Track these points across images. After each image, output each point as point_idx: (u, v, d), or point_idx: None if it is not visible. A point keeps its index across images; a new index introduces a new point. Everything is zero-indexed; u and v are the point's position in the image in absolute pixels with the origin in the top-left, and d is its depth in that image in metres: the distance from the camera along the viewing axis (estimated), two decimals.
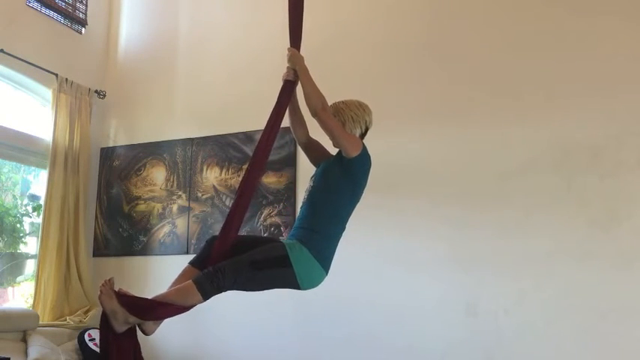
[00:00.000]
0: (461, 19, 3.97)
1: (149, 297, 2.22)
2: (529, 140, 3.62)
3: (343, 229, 2.41)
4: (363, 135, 2.48)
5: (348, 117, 2.42)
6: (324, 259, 2.29)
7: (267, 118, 2.48)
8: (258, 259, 2.22)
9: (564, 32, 3.67)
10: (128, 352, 2.20)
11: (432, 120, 3.89)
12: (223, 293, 2.25)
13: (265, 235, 2.45)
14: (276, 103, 2.46)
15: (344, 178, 2.36)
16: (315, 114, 2.35)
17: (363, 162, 2.37)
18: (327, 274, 2.34)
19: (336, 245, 2.37)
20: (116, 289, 2.16)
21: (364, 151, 2.36)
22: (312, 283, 2.32)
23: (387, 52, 4.11)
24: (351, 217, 2.44)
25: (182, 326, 4.13)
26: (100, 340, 2.20)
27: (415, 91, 3.97)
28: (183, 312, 2.25)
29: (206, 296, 2.19)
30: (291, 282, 2.26)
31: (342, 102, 2.47)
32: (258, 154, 2.44)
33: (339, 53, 4.22)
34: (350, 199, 2.40)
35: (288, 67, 2.47)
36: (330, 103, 2.46)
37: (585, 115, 3.53)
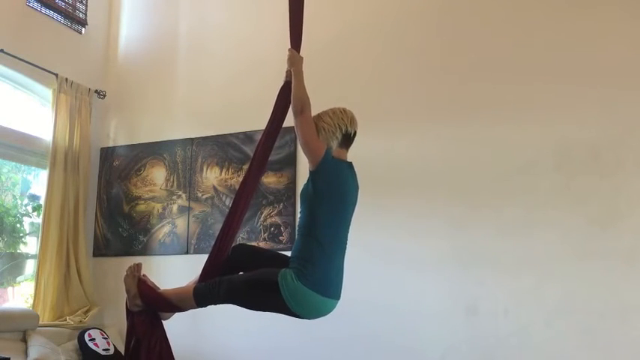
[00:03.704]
0: (461, 20, 3.97)
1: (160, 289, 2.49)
2: (529, 140, 3.62)
3: (338, 249, 2.35)
4: (346, 141, 2.43)
5: (320, 128, 2.40)
6: (322, 286, 2.25)
7: (268, 118, 2.50)
8: (252, 279, 2.32)
9: (565, 31, 3.68)
10: (145, 334, 2.42)
11: (433, 119, 3.89)
12: None
13: (278, 252, 2.58)
14: (275, 103, 2.51)
15: (316, 198, 2.31)
16: (294, 116, 2.38)
17: (325, 172, 2.31)
18: (334, 299, 2.31)
19: (337, 268, 2.34)
20: (143, 274, 2.49)
21: (324, 163, 2.30)
22: (312, 311, 2.30)
23: (387, 53, 4.11)
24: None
25: (183, 328, 4.13)
26: (127, 317, 2.50)
27: (416, 91, 3.97)
28: (180, 311, 2.49)
29: (200, 305, 2.40)
30: (284, 309, 2.27)
31: (317, 114, 2.45)
32: (257, 154, 2.51)
33: (343, 52, 4.22)
34: (333, 220, 2.33)
35: (287, 69, 2.50)
36: (333, 107, 2.47)
37: (585, 114, 3.54)
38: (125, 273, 2.49)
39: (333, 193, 2.33)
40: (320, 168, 2.30)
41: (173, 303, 2.42)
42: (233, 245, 2.55)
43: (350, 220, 2.43)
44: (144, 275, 2.51)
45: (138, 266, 2.51)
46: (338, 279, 2.34)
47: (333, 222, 2.33)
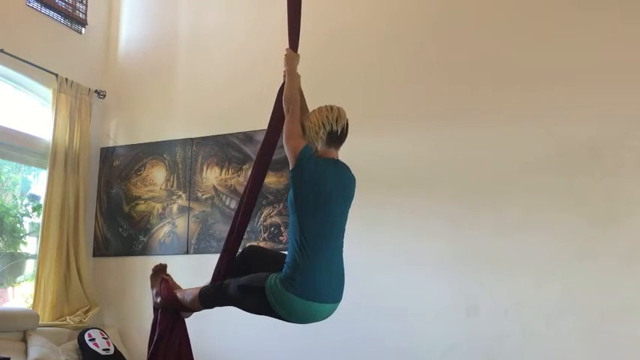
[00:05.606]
0: (461, 20, 3.97)
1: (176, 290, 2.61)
2: (530, 140, 3.62)
3: (327, 250, 2.27)
4: (333, 139, 2.36)
5: (306, 127, 2.37)
6: (307, 290, 2.19)
7: (267, 118, 2.51)
8: (245, 283, 2.32)
9: (564, 31, 3.67)
10: (169, 333, 2.52)
11: (433, 119, 3.89)
12: None
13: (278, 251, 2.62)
14: (275, 103, 2.53)
15: (296, 198, 2.27)
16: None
17: (302, 169, 2.25)
18: (325, 303, 2.25)
19: (326, 270, 2.25)
20: (167, 274, 2.65)
21: (300, 159, 2.25)
22: (300, 316, 2.26)
23: (387, 52, 4.11)
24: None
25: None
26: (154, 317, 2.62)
27: (416, 91, 3.97)
28: (194, 311, 2.57)
29: (205, 307, 2.47)
30: (275, 314, 2.25)
31: (307, 113, 2.44)
32: (261, 153, 2.54)
33: (341, 53, 4.22)
34: (315, 220, 2.25)
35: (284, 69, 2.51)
36: (322, 106, 2.43)
37: (586, 114, 3.53)
38: (153, 269, 2.67)
39: (312, 191, 2.26)
40: (297, 164, 2.25)
41: (183, 303, 2.49)
42: (245, 247, 2.59)
43: (339, 219, 2.34)
44: (167, 275, 2.64)
45: (163, 266, 2.67)
46: (329, 282, 2.26)
47: (316, 222, 2.25)
